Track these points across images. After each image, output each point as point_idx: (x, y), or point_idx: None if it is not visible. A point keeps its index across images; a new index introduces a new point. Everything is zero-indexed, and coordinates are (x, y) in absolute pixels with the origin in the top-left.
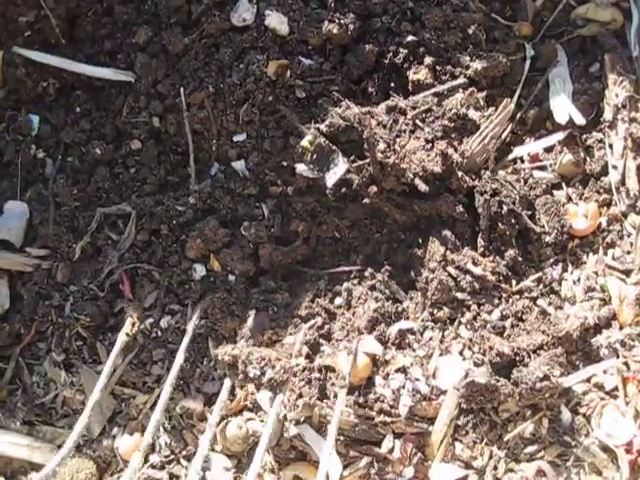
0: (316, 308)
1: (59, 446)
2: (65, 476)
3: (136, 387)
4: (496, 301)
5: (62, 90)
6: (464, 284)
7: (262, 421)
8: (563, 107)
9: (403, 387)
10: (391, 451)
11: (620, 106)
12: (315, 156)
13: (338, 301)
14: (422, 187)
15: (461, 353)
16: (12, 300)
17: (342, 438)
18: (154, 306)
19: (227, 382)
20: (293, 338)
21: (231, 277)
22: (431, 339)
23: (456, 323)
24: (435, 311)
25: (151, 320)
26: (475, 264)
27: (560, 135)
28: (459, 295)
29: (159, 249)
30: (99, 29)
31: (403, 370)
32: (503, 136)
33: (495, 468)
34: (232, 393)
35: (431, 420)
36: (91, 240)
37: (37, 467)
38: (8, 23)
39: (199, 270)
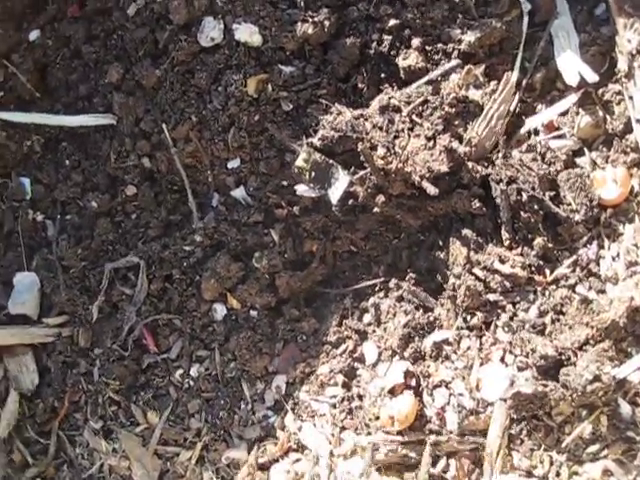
0: (345, 331)
1: None
2: None
3: (178, 444)
4: (532, 296)
5: (48, 145)
6: (494, 285)
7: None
8: (571, 64)
9: (448, 404)
10: (446, 470)
11: (635, 52)
12: (313, 174)
13: (367, 318)
14: (431, 190)
15: (502, 360)
16: (41, 374)
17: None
18: (181, 356)
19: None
20: (327, 367)
21: (253, 312)
22: (469, 348)
23: (492, 327)
24: (468, 317)
25: (180, 371)
26: (502, 261)
27: (573, 96)
28: (491, 297)
29: (175, 295)
30: (70, 74)
31: (445, 385)
32: (511, 109)
33: (558, 474)
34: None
35: (483, 433)
36: (106, 298)
37: None
38: None
39: (219, 310)
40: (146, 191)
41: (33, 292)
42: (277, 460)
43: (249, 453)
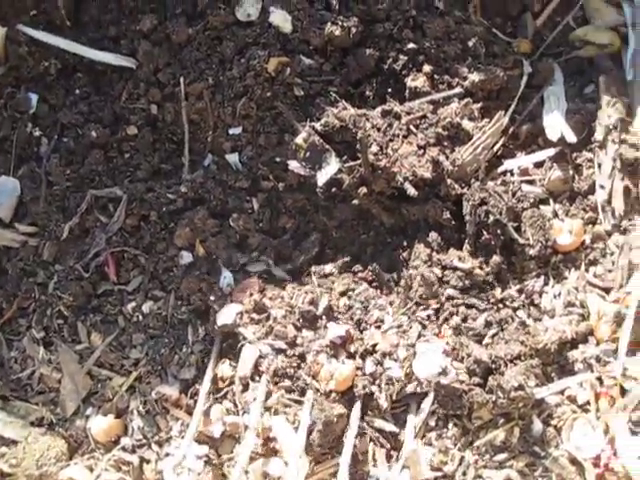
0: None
1: (32, 422)
2: (35, 452)
3: (113, 369)
4: (483, 305)
5: (63, 71)
6: (453, 281)
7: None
8: (556, 124)
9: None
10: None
11: (611, 127)
12: (308, 154)
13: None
14: (411, 191)
15: (443, 351)
16: None
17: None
18: (137, 290)
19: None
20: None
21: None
22: (411, 329)
23: (440, 321)
24: (420, 308)
25: (133, 304)
26: (462, 260)
27: (551, 151)
28: (448, 291)
29: (147, 235)
30: (104, 14)
31: (381, 354)
32: (495, 148)
33: (464, 474)
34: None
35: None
36: (80, 221)
37: (8, 442)
38: (14, 1)
39: (185, 256)
40: (146, 135)
41: (12, 197)
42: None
43: (180, 393)
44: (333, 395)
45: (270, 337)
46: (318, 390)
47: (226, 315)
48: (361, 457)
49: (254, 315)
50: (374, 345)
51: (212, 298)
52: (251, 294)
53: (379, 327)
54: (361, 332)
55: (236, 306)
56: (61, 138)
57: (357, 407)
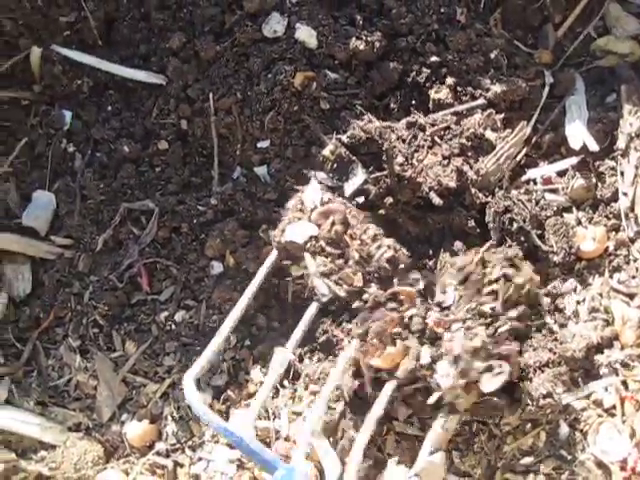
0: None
1: (69, 428)
2: (73, 456)
3: (147, 376)
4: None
5: (95, 89)
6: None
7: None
8: (578, 133)
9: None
10: None
11: (634, 135)
12: (335, 165)
13: None
14: (436, 201)
15: None
16: (34, 286)
17: None
18: (170, 300)
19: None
20: None
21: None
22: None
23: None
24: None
25: (166, 313)
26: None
27: (573, 160)
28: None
29: (178, 246)
30: (135, 33)
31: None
32: (518, 158)
33: (490, 478)
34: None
35: None
36: (114, 233)
37: (47, 446)
38: (49, 22)
39: (216, 267)
40: (176, 149)
41: (48, 210)
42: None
43: (213, 398)
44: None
45: (333, 277)
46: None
47: (298, 233)
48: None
49: (328, 247)
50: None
51: None
52: (333, 223)
53: None
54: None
55: (312, 227)
56: (94, 153)
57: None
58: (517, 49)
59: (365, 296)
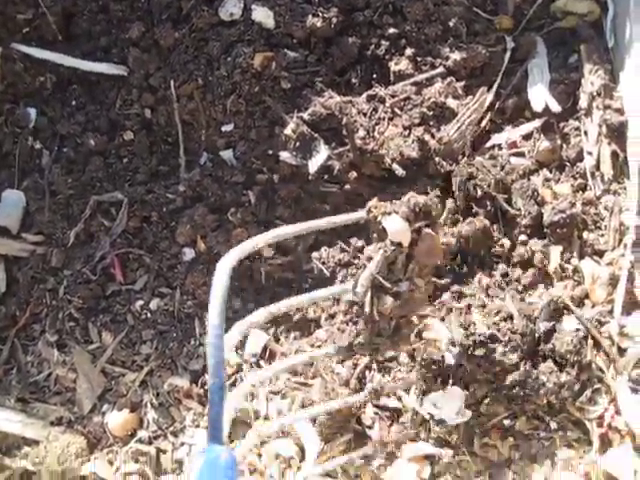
0: None
1: (51, 422)
2: (56, 450)
3: (125, 366)
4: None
5: (59, 84)
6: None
7: None
8: (540, 95)
9: None
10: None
11: (595, 94)
12: (298, 144)
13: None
14: (400, 172)
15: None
16: (8, 284)
17: None
18: (144, 289)
19: None
20: None
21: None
22: None
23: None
24: None
25: (141, 302)
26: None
27: (537, 123)
28: None
29: (149, 235)
30: (94, 25)
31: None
32: (482, 124)
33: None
34: None
35: None
36: (84, 227)
37: (30, 442)
38: (7, 21)
39: (188, 253)
40: (142, 139)
41: (18, 209)
42: None
43: (191, 383)
44: None
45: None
46: None
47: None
48: None
49: None
50: None
51: None
52: None
53: None
54: None
55: None
56: (61, 149)
57: None
58: (476, 16)
59: None
